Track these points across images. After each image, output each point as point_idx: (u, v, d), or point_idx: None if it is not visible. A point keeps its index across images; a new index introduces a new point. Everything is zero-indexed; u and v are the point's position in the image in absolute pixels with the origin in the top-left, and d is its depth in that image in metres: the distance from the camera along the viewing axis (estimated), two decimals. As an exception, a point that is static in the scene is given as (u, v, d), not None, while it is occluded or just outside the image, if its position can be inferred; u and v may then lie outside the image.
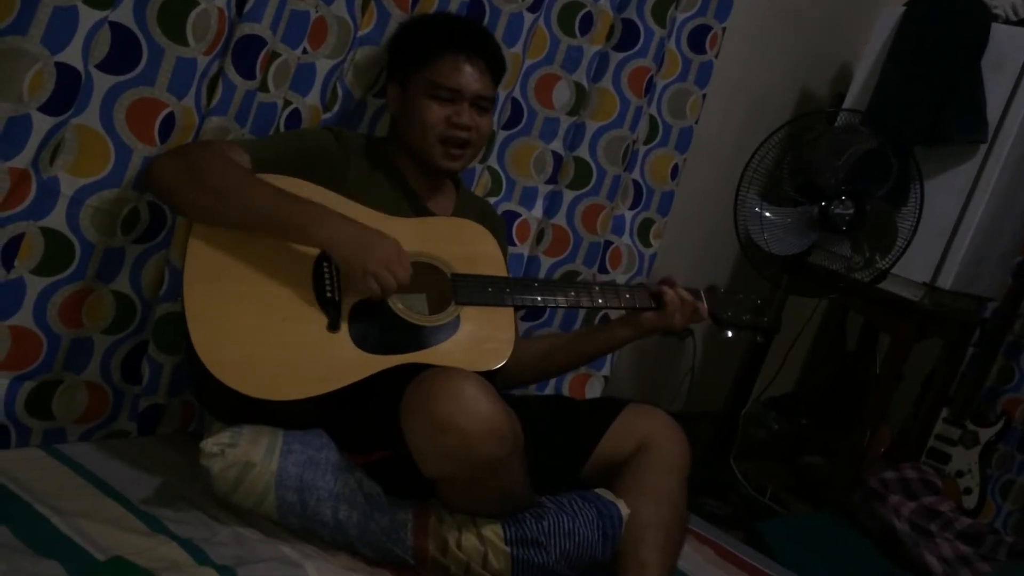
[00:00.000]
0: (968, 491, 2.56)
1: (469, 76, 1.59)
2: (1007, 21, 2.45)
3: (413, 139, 1.61)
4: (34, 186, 1.35)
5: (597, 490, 1.49)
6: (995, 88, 2.36)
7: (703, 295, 1.73)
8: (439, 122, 1.59)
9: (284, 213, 1.38)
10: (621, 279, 2.36)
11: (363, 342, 1.43)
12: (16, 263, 1.37)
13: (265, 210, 1.38)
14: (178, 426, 1.68)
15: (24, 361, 1.43)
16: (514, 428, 1.33)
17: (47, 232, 1.40)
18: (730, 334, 1.78)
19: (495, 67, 1.66)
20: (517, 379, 1.71)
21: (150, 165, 1.42)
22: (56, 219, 1.40)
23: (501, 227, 1.85)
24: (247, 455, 1.33)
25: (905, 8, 2.52)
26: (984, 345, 2.70)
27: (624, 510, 1.44)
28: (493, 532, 1.38)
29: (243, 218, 1.39)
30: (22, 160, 1.30)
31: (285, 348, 1.38)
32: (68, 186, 1.40)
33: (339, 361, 1.40)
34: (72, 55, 1.29)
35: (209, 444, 1.32)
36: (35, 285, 1.41)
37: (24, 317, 1.41)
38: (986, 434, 2.57)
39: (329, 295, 1.43)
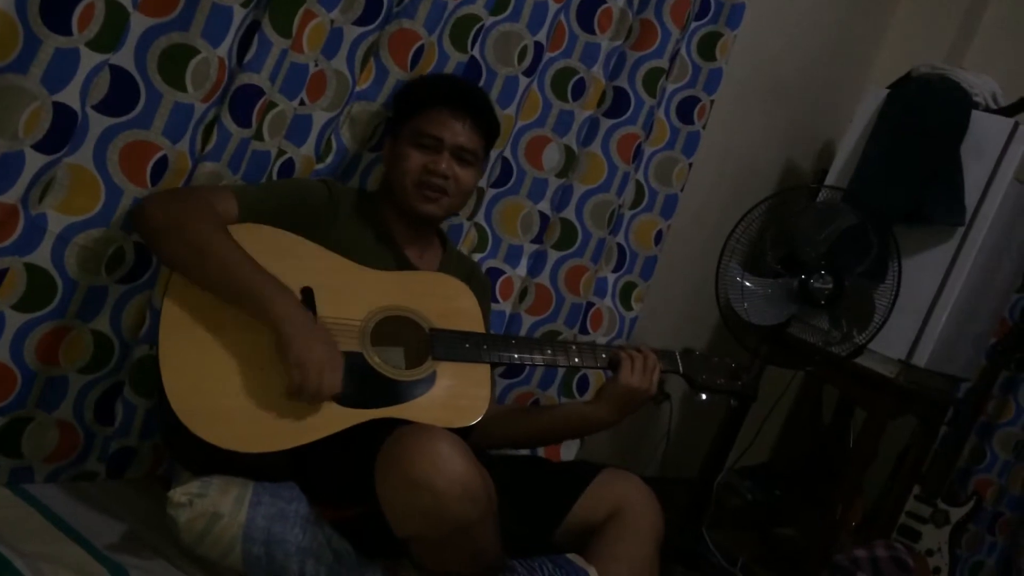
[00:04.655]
0: (937, 571, 2.55)
1: (451, 127, 1.64)
2: (987, 109, 2.52)
3: (394, 184, 1.65)
4: (21, 222, 1.35)
5: (568, 555, 1.48)
6: (974, 173, 2.42)
7: (678, 357, 1.75)
8: (417, 168, 1.63)
9: (247, 284, 1.37)
10: (601, 341, 2.37)
11: (338, 395, 1.41)
12: (-3, 297, 1.37)
13: (231, 277, 1.37)
14: (147, 470, 1.65)
15: (-3, 397, 1.42)
16: (487, 489, 1.32)
17: (31, 268, 1.39)
18: (704, 397, 1.78)
19: (483, 125, 1.69)
20: (487, 440, 1.70)
21: (139, 206, 1.42)
22: (41, 256, 1.40)
23: (487, 289, 1.86)
24: (215, 506, 1.31)
25: (889, 91, 2.59)
26: (957, 425, 2.72)
27: (595, 578, 1.43)
28: (462, 595, 1.36)
29: (209, 279, 1.39)
30: (11, 196, 1.31)
31: (259, 399, 1.37)
32: (55, 223, 1.40)
33: (313, 414, 1.39)
34: (70, 95, 1.31)
35: (178, 494, 1.30)
36: (14, 321, 1.40)
37: (0, 352, 1.40)
38: (957, 513, 2.58)
39: (306, 346, 1.42)
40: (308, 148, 1.68)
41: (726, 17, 2.29)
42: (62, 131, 1.32)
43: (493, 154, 1.96)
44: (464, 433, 1.42)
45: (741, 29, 2.30)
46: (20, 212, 1.34)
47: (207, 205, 1.42)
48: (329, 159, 1.74)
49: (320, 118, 1.67)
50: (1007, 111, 2.51)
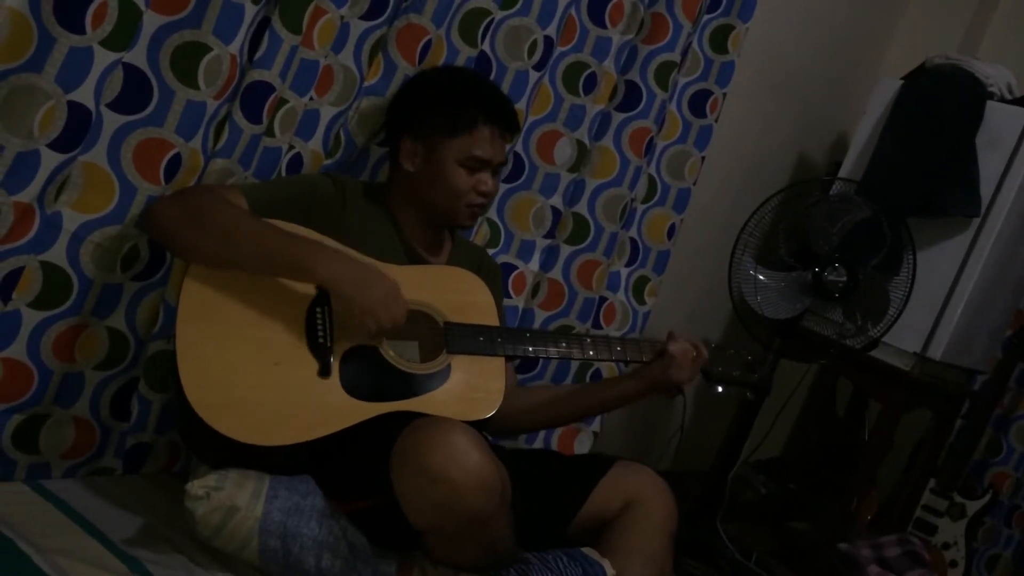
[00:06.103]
0: (954, 564, 2.54)
1: (496, 146, 1.65)
2: (1002, 99, 2.50)
3: (437, 199, 1.63)
4: (37, 220, 1.36)
5: (583, 549, 1.48)
6: (989, 164, 2.40)
7: None
8: (468, 188, 1.63)
9: (285, 251, 1.40)
10: (615, 335, 2.37)
11: (353, 389, 1.43)
12: (14, 296, 1.38)
13: (266, 249, 1.39)
14: (163, 465, 1.66)
15: (14, 394, 1.43)
16: (503, 481, 1.32)
17: (46, 266, 1.40)
18: (720, 389, 1.78)
19: (513, 136, 1.73)
20: (512, 427, 1.72)
21: (150, 209, 1.43)
22: (56, 254, 1.41)
23: (498, 276, 1.86)
24: (232, 499, 1.32)
25: (903, 81, 2.58)
26: (973, 418, 2.70)
27: (610, 571, 1.43)
28: (477, 587, 1.37)
29: (244, 258, 1.40)
30: (27, 195, 1.32)
31: (275, 392, 1.38)
32: (71, 221, 1.41)
33: (329, 407, 1.40)
34: (84, 94, 1.31)
35: (195, 487, 1.31)
36: (31, 318, 1.41)
37: (17, 350, 1.41)
38: (973, 507, 2.57)
39: (321, 340, 1.43)
40: (316, 143, 1.68)
41: (738, 10, 2.28)
42: (77, 130, 1.33)
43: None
44: (479, 426, 1.43)
45: (752, 21, 2.29)
46: (36, 211, 1.35)
47: (218, 194, 1.43)
48: (338, 154, 1.75)
49: (328, 113, 1.67)
50: (1023, 101, 2.49)
